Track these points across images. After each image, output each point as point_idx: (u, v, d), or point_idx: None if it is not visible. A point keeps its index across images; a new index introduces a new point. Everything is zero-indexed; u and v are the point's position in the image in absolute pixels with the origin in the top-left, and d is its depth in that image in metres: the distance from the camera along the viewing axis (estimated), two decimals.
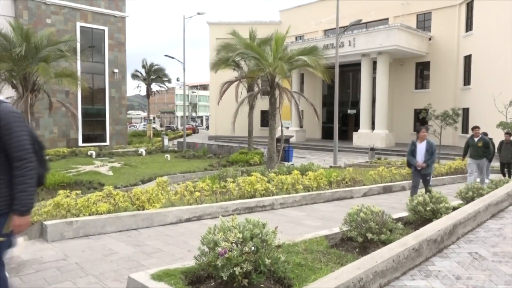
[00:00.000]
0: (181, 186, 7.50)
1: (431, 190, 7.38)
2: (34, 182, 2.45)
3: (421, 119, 25.99)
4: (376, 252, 3.52)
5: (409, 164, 8.18)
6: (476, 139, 10.90)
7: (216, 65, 24.35)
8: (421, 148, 7.77)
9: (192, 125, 66.10)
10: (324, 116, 34.80)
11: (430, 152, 7.90)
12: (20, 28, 15.12)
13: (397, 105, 31.79)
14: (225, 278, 2.78)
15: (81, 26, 29.04)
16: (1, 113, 2.39)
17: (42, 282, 3.77)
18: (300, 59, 16.44)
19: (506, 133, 13.14)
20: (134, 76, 51.96)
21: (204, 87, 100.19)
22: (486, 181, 12.12)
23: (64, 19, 28.28)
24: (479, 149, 10.88)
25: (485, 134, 12.46)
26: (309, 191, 8.93)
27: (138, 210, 6.18)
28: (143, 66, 52.41)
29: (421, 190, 5.63)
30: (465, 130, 27.11)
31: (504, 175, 12.93)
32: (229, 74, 26.45)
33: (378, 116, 29.10)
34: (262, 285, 2.92)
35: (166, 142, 31.06)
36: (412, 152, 7.82)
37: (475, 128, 11.91)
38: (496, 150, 12.85)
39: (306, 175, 9.46)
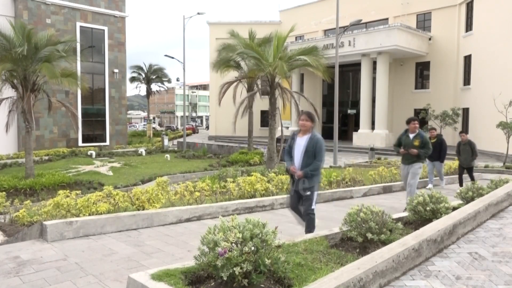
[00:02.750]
0: (181, 186, 7.51)
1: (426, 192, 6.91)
2: None
3: (420, 119, 25.98)
4: (376, 252, 3.52)
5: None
6: (411, 135, 7.68)
7: (217, 66, 24.38)
8: (300, 143, 4.98)
9: (192, 125, 66.09)
10: (324, 116, 34.80)
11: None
12: (23, 28, 15.11)
13: (397, 105, 31.79)
14: (225, 278, 2.78)
15: (81, 26, 29.05)
16: None
17: (42, 282, 3.77)
18: (300, 59, 16.45)
19: (461, 133, 11.65)
20: (132, 79, 51.89)
21: (204, 87, 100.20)
22: (430, 186, 11.57)
23: (64, 19, 28.29)
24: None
25: (440, 135, 11.85)
26: None
27: (138, 210, 6.18)
28: (140, 68, 52.37)
29: (421, 190, 5.61)
30: (465, 130, 27.06)
31: (461, 183, 11.33)
32: (229, 74, 26.45)
33: (378, 116, 29.10)
34: (262, 285, 2.92)
35: (166, 142, 31.07)
36: (290, 150, 5.10)
37: (432, 129, 11.68)
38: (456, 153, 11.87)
39: None
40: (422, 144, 7.55)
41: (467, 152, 11.13)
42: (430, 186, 11.52)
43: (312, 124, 5.00)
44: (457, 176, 12.03)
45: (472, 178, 11.34)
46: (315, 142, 4.88)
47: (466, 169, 11.44)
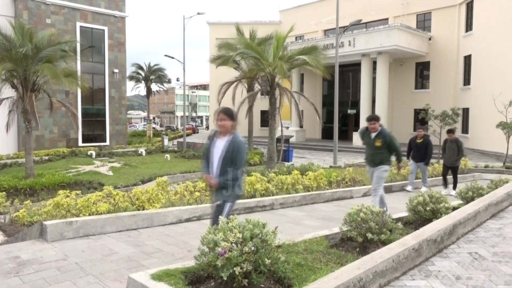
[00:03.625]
0: (181, 186, 7.51)
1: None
2: None
3: (420, 119, 25.99)
4: (376, 252, 3.52)
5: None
6: (373, 134, 6.85)
7: (216, 60, 24.46)
8: (219, 146, 4.15)
9: (192, 125, 66.08)
10: (324, 116, 34.81)
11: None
12: (22, 28, 15.11)
13: (397, 105, 31.80)
14: (225, 278, 2.78)
15: (81, 26, 29.04)
16: None
17: (42, 282, 3.77)
18: (300, 59, 16.45)
19: (448, 131, 10.78)
20: (131, 78, 51.84)
21: (204, 87, 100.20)
22: (409, 188, 10.98)
23: (64, 19, 28.28)
24: (377, 150, 6.86)
25: (427, 136, 11.12)
26: (309, 191, 8.93)
27: (138, 210, 6.19)
28: (140, 67, 52.34)
29: (421, 190, 5.60)
30: (465, 130, 27.13)
31: (445, 183, 10.77)
32: (229, 73, 26.47)
33: None
34: (262, 285, 2.92)
35: (166, 142, 31.05)
36: (208, 154, 4.25)
37: (419, 129, 10.99)
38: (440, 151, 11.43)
39: (306, 175, 9.47)
40: (385, 145, 6.69)
41: (453, 150, 10.38)
42: (409, 188, 10.93)
43: (233, 123, 4.15)
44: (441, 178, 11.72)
45: (456, 180, 10.69)
46: (235, 145, 4.08)
47: (450, 168, 10.68)
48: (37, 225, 5.35)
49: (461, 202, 6.45)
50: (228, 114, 4.17)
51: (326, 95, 35.48)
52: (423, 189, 10.55)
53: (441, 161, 11.80)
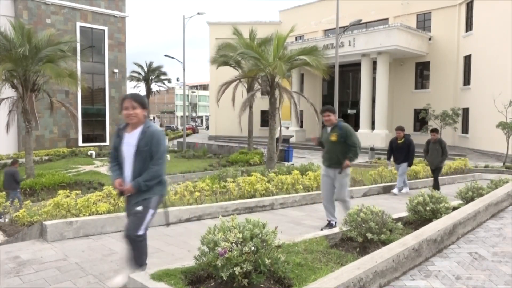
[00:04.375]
0: (181, 186, 7.50)
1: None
2: None
3: (420, 119, 26.00)
4: (376, 252, 3.52)
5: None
6: (329, 129, 6.05)
7: (216, 62, 24.47)
8: (129, 141, 3.53)
9: (192, 125, 66.16)
10: None
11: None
12: (21, 28, 15.12)
13: (397, 105, 31.82)
14: (225, 278, 2.78)
15: (81, 26, 29.06)
16: None
17: (42, 282, 3.77)
18: (300, 59, 16.46)
19: (432, 130, 10.32)
20: (132, 78, 51.84)
21: (204, 87, 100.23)
22: (395, 190, 10.28)
23: (64, 19, 28.30)
24: (333, 146, 5.93)
25: (408, 135, 10.56)
26: (309, 191, 8.93)
27: None
28: (140, 66, 52.36)
29: (421, 190, 5.58)
30: (465, 130, 27.14)
31: (436, 185, 10.18)
32: (229, 73, 26.46)
33: (378, 116, 29.11)
34: (262, 285, 2.92)
35: (166, 142, 31.07)
36: (116, 154, 3.65)
37: (399, 129, 10.31)
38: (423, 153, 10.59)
39: (306, 175, 9.46)
40: (341, 139, 5.76)
41: (436, 151, 9.90)
42: (395, 191, 10.33)
43: (144, 111, 3.41)
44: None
45: (436, 181, 10.15)
46: (150, 136, 3.33)
47: (433, 170, 10.24)
48: (37, 225, 5.36)
49: (461, 202, 6.45)
50: (139, 101, 3.39)
51: (326, 95, 35.49)
52: (395, 191, 10.22)
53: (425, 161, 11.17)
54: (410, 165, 10.38)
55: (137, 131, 3.39)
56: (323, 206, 6.22)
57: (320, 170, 6.31)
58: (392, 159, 10.52)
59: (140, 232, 3.37)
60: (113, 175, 3.50)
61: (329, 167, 6.01)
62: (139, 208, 3.34)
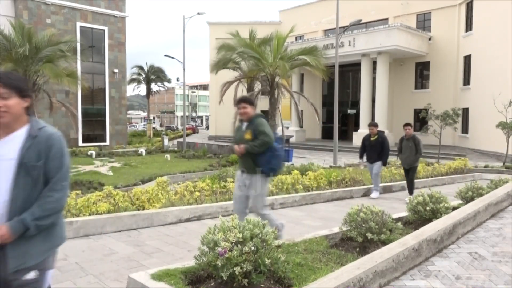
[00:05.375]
0: (181, 186, 7.51)
1: None
2: None
3: (421, 119, 25.99)
4: (376, 252, 3.52)
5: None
6: (244, 125, 4.63)
7: (216, 66, 24.37)
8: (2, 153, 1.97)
9: (192, 125, 66.13)
10: (324, 116, 34.80)
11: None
12: (22, 28, 15.13)
13: (397, 105, 31.81)
14: (225, 278, 2.79)
15: (81, 26, 29.05)
16: None
17: None
18: (300, 59, 16.48)
19: (405, 125, 9.35)
20: (132, 80, 51.90)
21: (204, 87, 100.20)
22: (373, 195, 9.46)
23: (64, 19, 28.29)
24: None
25: (381, 132, 9.83)
26: (309, 191, 8.93)
27: (138, 210, 6.19)
28: (141, 68, 52.44)
29: (421, 190, 5.57)
30: (465, 130, 27.14)
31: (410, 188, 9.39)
32: (229, 74, 26.46)
33: (378, 116, 29.09)
34: (262, 285, 2.92)
35: (166, 142, 31.05)
36: None
37: (372, 126, 9.47)
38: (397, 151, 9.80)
39: (306, 175, 9.47)
40: (254, 137, 4.43)
41: (410, 149, 9.06)
42: (374, 194, 9.52)
43: (26, 104, 2.09)
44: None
45: (412, 182, 9.32)
46: (44, 144, 2.02)
47: (407, 170, 9.38)
48: None
49: (461, 202, 6.45)
50: (14, 86, 2.00)
51: (326, 95, 35.49)
52: (374, 194, 9.44)
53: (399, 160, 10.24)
54: (384, 164, 9.44)
55: (17, 137, 2.02)
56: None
57: (236, 177, 4.82)
58: (364, 158, 9.70)
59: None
60: None
61: (244, 171, 4.60)
62: (30, 276, 1.94)
